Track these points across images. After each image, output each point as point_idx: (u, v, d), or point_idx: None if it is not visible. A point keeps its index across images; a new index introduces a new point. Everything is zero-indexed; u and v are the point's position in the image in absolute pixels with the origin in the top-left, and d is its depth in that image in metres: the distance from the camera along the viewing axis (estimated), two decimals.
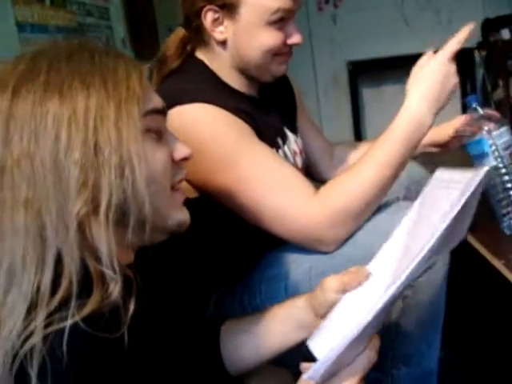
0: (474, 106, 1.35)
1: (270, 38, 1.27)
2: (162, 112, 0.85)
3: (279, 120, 1.43)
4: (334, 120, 5.63)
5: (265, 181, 1.18)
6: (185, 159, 0.87)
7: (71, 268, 0.72)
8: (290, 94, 1.58)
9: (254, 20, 1.25)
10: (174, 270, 1.06)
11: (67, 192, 0.73)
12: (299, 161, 1.44)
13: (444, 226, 0.74)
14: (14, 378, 0.67)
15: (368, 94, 5.63)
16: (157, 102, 0.84)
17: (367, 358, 0.81)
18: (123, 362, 0.71)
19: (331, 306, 0.91)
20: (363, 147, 1.67)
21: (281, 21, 1.26)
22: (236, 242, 1.30)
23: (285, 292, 1.24)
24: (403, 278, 0.75)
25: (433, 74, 1.24)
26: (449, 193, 0.79)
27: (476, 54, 5.14)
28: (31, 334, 0.67)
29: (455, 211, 0.74)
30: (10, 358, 0.67)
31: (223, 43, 1.30)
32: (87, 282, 0.72)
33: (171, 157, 0.85)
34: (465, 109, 1.42)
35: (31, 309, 0.70)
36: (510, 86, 4.37)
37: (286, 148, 1.39)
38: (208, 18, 1.26)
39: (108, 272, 0.73)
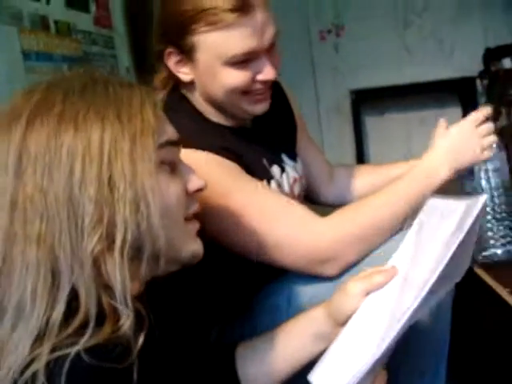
0: None
1: (231, 79, 1.22)
2: (176, 143, 0.84)
3: (276, 147, 1.41)
4: (336, 148, 5.63)
5: (262, 212, 1.17)
6: (199, 190, 0.87)
7: (86, 303, 0.71)
8: (289, 117, 1.55)
9: (212, 63, 1.21)
10: (175, 304, 1.05)
11: (82, 228, 0.72)
12: (297, 188, 1.42)
13: (446, 260, 0.73)
14: None
15: (371, 122, 5.64)
16: (171, 133, 0.84)
17: None
18: None
19: (354, 311, 0.89)
20: (362, 170, 1.67)
21: (246, 60, 1.21)
22: (235, 275, 1.29)
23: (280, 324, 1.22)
24: (405, 317, 0.75)
25: (459, 132, 1.24)
26: (447, 224, 0.78)
27: (478, 82, 5.17)
28: (33, 361, 0.66)
29: (455, 245, 0.73)
30: None
31: (191, 83, 1.28)
32: (99, 315, 0.72)
33: (185, 189, 0.84)
34: None
35: (36, 341, 0.69)
36: (511, 115, 4.37)
37: (283, 176, 1.37)
38: (171, 60, 1.26)
39: (121, 307, 0.72)
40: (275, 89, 1.42)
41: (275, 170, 1.35)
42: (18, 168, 0.73)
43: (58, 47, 2.65)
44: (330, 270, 1.17)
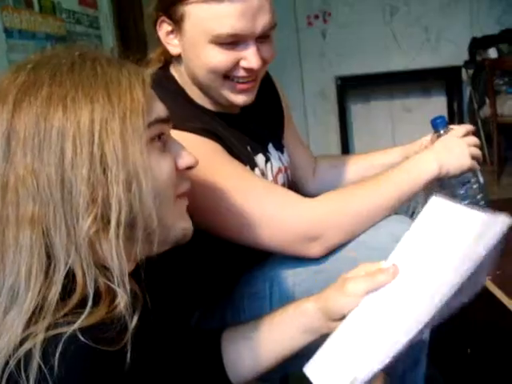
0: (443, 131, 1.32)
1: (213, 58, 1.16)
2: (166, 120, 0.83)
3: (263, 137, 1.39)
4: (321, 135, 5.64)
5: (246, 192, 1.16)
6: (190, 168, 0.86)
7: (82, 283, 0.71)
8: (277, 109, 1.53)
9: (198, 37, 1.16)
10: (158, 286, 1.04)
11: (76, 209, 0.71)
12: (281, 178, 1.40)
13: (466, 275, 0.71)
14: None
15: (356, 109, 5.65)
16: (160, 110, 0.82)
17: None
18: (122, 376, 0.70)
19: (352, 310, 0.88)
20: (346, 161, 1.66)
21: (232, 43, 1.15)
22: (217, 259, 1.27)
23: (269, 309, 1.21)
24: (412, 333, 0.73)
25: (446, 141, 1.27)
26: (464, 235, 0.76)
27: (463, 72, 5.19)
28: (26, 340, 0.66)
29: (478, 259, 0.71)
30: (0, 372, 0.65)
31: (179, 57, 1.24)
32: (94, 295, 0.71)
33: (175, 166, 0.83)
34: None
35: (31, 321, 0.68)
36: (496, 104, 4.39)
37: (267, 166, 1.35)
38: (162, 29, 1.21)
39: (117, 288, 0.72)
40: (266, 81, 1.41)
41: (259, 158, 1.33)
42: (6, 151, 0.72)
43: (41, 25, 2.61)
44: (313, 249, 1.16)
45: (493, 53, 4.97)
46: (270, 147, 1.40)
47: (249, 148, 1.30)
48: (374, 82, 5.40)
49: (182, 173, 0.85)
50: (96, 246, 0.73)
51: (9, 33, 2.34)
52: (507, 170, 4.70)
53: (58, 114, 0.72)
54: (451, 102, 5.38)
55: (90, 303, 0.70)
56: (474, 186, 1.26)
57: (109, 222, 0.72)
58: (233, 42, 1.13)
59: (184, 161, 0.85)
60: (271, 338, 0.99)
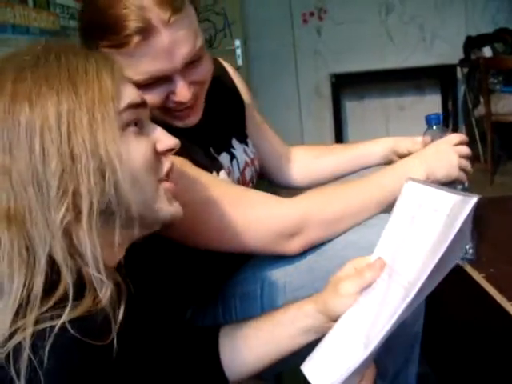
0: (435, 127, 1.32)
1: None
2: (141, 105, 0.83)
3: (225, 132, 1.35)
4: (315, 132, 5.65)
5: (220, 200, 1.14)
6: (170, 150, 0.85)
7: (65, 274, 0.71)
8: (235, 98, 1.48)
9: None
10: (150, 283, 1.03)
11: (49, 202, 0.71)
12: (248, 173, 1.38)
13: (435, 261, 0.71)
14: None
15: (350, 106, 5.66)
16: (133, 95, 0.81)
17: None
18: (111, 370, 0.70)
19: (348, 309, 0.88)
20: (325, 150, 1.65)
21: (154, 83, 1.10)
22: (208, 258, 1.26)
23: (261, 308, 1.21)
24: (395, 317, 0.74)
25: (438, 147, 1.25)
26: (436, 219, 0.76)
27: (458, 70, 5.20)
28: (15, 333, 0.66)
29: (445, 246, 0.71)
30: None
31: None
32: (80, 287, 0.71)
33: (154, 149, 0.82)
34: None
35: (18, 315, 0.68)
36: (490, 103, 4.40)
37: (233, 163, 1.33)
38: None
39: (96, 276, 0.72)
40: (221, 72, 1.39)
41: (224, 157, 1.31)
42: None
43: (35, 20, 2.59)
44: (293, 246, 1.15)
45: (487, 51, 4.98)
46: (234, 142, 1.37)
47: (211, 150, 1.27)
48: (369, 79, 5.40)
49: (161, 156, 0.84)
50: (73, 236, 0.73)
51: (2, 27, 2.32)
52: (501, 169, 4.72)
53: (24, 110, 0.72)
54: (445, 101, 5.39)
55: (71, 294, 0.69)
56: (459, 187, 1.26)
57: (80, 211, 0.73)
58: (155, 81, 1.09)
59: (163, 143, 0.84)
60: (270, 337, 0.99)
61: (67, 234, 0.73)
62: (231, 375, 1.01)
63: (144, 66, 1.06)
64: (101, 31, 1.06)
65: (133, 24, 1.02)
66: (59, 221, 0.71)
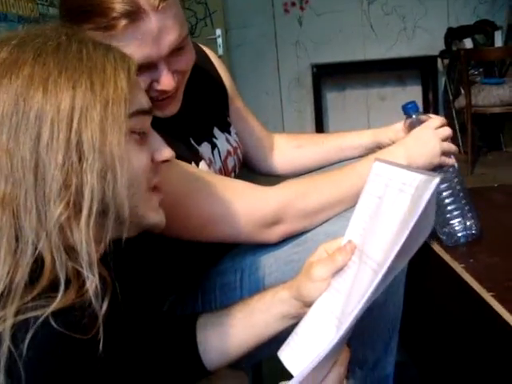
0: (414, 116, 1.32)
1: None
2: (148, 112, 0.82)
3: (206, 121, 1.34)
4: (296, 122, 5.65)
5: (200, 190, 1.13)
6: (165, 161, 0.85)
7: (51, 267, 0.70)
8: (218, 87, 1.46)
9: None
10: (129, 273, 1.03)
11: (48, 194, 0.70)
12: (230, 162, 1.37)
13: (401, 241, 0.71)
14: None
15: (331, 97, 5.66)
16: (143, 101, 0.81)
17: (338, 373, 0.79)
18: (93, 362, 0.69)
19: (321, 293, 0.88)
20: (307, 138, 1.65)
21: (140, 69, 1.00)
22: (187, 248, 1.26)
23: (240, 300, 1.21)
24: (366, 297, 0.74)
25: (419, 134, 1.26)
26: (402, 199, 0.77)
27: (439, 62, 5.22)
28: None
29: (411, 226, 0.71)
30: None
31: None
32: (65, 280, 0.70)
33: (151, 158, 0.82)
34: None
35: None
36: (471, 95, 4.42)
37: (214, 153, 1.32)
38: None
39: (86, 273, 0.71)
40: (202, 59, 1.38)
41: (205, 147, 1.29)
42: None
43: (13, 7, 2.56)
44: (273, 234, 1.15)
45: (468, 43, 5.00)
46: (216, 131, 1.36)
47: (191, 140, 1.26)
48: (350, 70, 5.41)
49: (157, 165, 0.84)
50: (66, 232, 0.72)
51: None
52: (480, 160, 4.75)
53: (37, 96, 0.70)
54: (426, 92, 5.41)
55: (62, 287, 0.69)
56: (451, 170, 1.27)
57: (80, 210, 0.71)
58: (140, 68, 1.08)
59: (162, 154, 0.84)
60: (247, 324, 0.99)
61: (61, 229, 0.71)
62: (209, 364, 1.00)
63: (129, 52, 1.02)
64: (86, 13, 1.03)
65: (121, 6, 1.00)
66: (56, 216, 0.70)
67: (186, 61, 1.16)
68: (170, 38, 1.07)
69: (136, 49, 1.04)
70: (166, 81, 1.10)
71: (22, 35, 0.76)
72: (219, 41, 4.72)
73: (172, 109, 1.19)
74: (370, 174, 0.87)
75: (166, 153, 0.85)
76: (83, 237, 0.71)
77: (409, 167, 0.81)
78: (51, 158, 0.70)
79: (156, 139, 0.85)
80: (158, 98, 1.14)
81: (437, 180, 0.72)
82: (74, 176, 0.70)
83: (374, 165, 0.87)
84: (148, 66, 1.08)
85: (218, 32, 4.74)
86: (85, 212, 0.71)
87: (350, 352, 0.83)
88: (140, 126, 0.80)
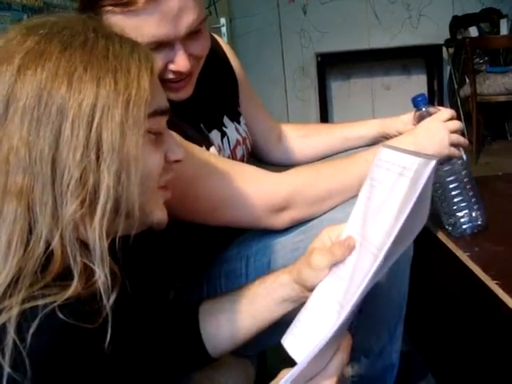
0: (424, 109, 1.32)
1: None
2: (165, 112, 0.82)
3: (216, 110, 1.36)
4: (301, 112, 5.64)
5: (211, 173, 1.14)
6: (177, 161, 0.85)
7: (60, 260, 0.70)
8: (229, 76, 1.48)
9: None
10: (135, 261, 1.03)
11: (64, 190, 0.70)
12: (239, 151, 1.37)
13: (399, 224, 0.72)
14: None
15: (336, 86, 5.65)
16: (162, 101, 0.81)
17: (341, 359, 0.79)
18: (98, 351, 0.69)
19: (320, 281, 0.89)
20: (314, 128, 1.65)
21: (157, 48, 1.08)
22: (193, 235, 1.26)
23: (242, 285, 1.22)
24: (364, 283, 0.74)
25: (428, 125, 1.26)
26: (400, 183, 0.77)
27: (444, 50, 5.19)
28: (0, 313, 0.65)
29: (408, 209, 0.71)
30: None
31: None
32: (70, 272, 0.70)
33: (164, 158, 0.82)
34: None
35: (6, 294, 0.67)
36: (476, 83, 4.41)
37: (224, 141, 1.33)
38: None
39: (98, 269, 0.71)
40: (214, 48, 1.37)
41: (214, 134, 1.30)
42: (3, 116, 0.70)
43: None
44: (281, 220, 1.15)
45: (473, 31, 4.97)
46: (226, 120, 1.36)
47: (202, 126, 1.27)
48: (355, 59, 5.39)
49: (169, 165, 0.85)
50: (80, 229, 0.72)
51: None
52: (485, 149, 4.74)
53: (61, 90, 0.70)
54: (431, 81, 5.39)
55: (75, 282, 0.69)
56: (459, 162, 1.27)
57: (95, 207, 0.72)
58: (156, 47, 1.07)
59: (175, 155, 0.84)
60: (249, 309, 1.00)
61: (75, 225, 0.72)
62: (213, 350, 1.01)
63: (149, 29, 1.04)
64: None
65: None
66: (71, 213, 0.70)
67: (202, 46, 1.16)
68: (189, 18, 1.07)
69: (155, 26, 1.04)
70: (182, 61, 1.10)
71: (50, 25, 0.76)
72: (223, 30, 4.69)
73: (185, 93, 1.19)
74: (374, 160, 0.87)
75: (180, 153, 0.85)
76: (97, 234, 0.72)
77: (412, 151, 0.81)
78: (70, 154, 0.70)
79: (170, 139, 0.85)
80: (172, 80, 1.14)
81: (433, 162, 0.72)
82: (90, 174, 0.71)
83: (379, 150, 0.87)
84: (164, 46, 1.08)
85: (223, 21, 4.71)
86: (99, 210, 0.71)
87: (351, 339, 0.83)
88: (157, 127, 0.80)
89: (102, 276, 0.71)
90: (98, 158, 0.71)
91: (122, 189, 0.73)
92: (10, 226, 0.70)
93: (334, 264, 0.87)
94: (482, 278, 1.14)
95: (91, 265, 0.71)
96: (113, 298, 0.72)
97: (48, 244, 0.70)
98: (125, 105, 0.72)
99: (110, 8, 1.04)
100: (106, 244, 0.72)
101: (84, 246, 0.73)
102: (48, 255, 0.70)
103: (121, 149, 0.72)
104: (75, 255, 0.71)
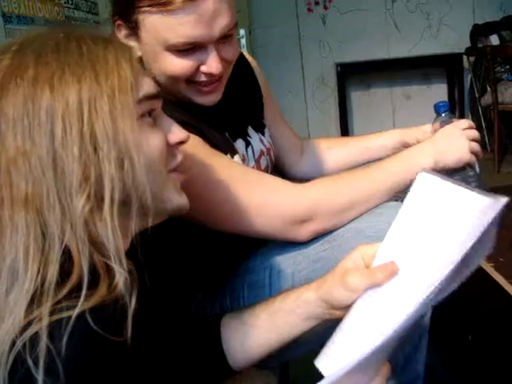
0: (444, 115, 1.31)
1: (172, 66, 1.12)
2: (156, 96, 0.83)
3: (242, 120, 1.36)
4: (321, 122, 5.64)
5: (233, 181, 1.14)
6: (181, 143, 0.85)
7: (80, 262, 0.71)
8: (254, 88, 1.49)
9: (154, 45, 1.11)
10: (157, 272, 1.04)
11: (69, 188, 0.71)
12: (264, 162, 1.38)
13: (457, 261, 0.70)
14: (8, 375, 0.65)
15: (356, 95, 5.64)
16: (150, 86, 0.82)
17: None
18: (125, 358, 0.70)
19: (353, 302, 0.86)
20: (334, 143, 1.65)
21: (191, 49, 1.10)
22: (216, 245, 1.27)
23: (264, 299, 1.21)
24: (409, 311, 0.72)
25: (447, 132, 1.26)
26: (462, 219, 0.74)
27: (464, 59, 5.17)
28: (31, 323, 0.66)
29: (469, 245, 0.69)
30: (6, 355, 0.65)
31: (141, 59, 1.18)
32: (93, 275, 0.71)
33: (166, 141, 0.82)
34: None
35: (33, 303, 0.68)
36: (497, 92, 4.37)
37: (248, 150, 1.33)
38: (121, 33, 1.17)
39: (115, 266, 0.72)
40: (240, 60, 1.38)
41: (239, 144, 1.30)
42: None
43: (39, 11, 2.59)
44: (303, 232, 1.15)
45: (494, 40, 4.95)
46: (250, 130, 1.37)
47: (227, 134, 1.27)
48: (375, 68, 5.38)
49: (173, 148, 0.85)
50: (90, 225, 0.73)
51: (7, 18, 2.32)
52: (507, 158, 4.70)
53: (45, 95, 0.71)
54: (452, 90, 5.36)
55: (85, 282, 0.70)
56: (470, 173, 1.25)
57: (102, 200, 0.73)
58: (190, 48, 1.09)
59: (175, 136, 0.85)
60: (270, 325, 0.99)
61: (85, 222, 0.73)
62: (234, 363, 1.01)
63: (184, 29, 1.06)
64: None
65: None
66: (80, 208, 0.71)
67: (233, 50, 1.18)
68: (223, 21, 1.09)
69: (190, 27, 1.06)
70: (214, 63, 1.12)
71: (21, 41, 0.78)
72: (243, 41, 4.71)
73: (214, 97, 1.20)
74: (415, 185, 0.84)
75: (180, 134, 0.86)
76: (108, 227, 0.73)
77: (461, 183, 0.78)
78: (68, 152, 0.71)
79: (168, 122, 0.86)
80: (202, 83, 1.15)
81: (503, 201, 0.70)
82: (92, 167, 0.72)
83: (419, 175, 0.84)
84: (198, 48, 1.10)
85: (242, 32, 4.73)
86: (107, 201, 0.72)
87: (390, 369, 0.82)
88: (150, 108, 0.81)
89: (121, 274, 0.72)
90: (95, 149, 0.72)
91: (128, 177, 0.74)
92: (24, 234, 0.71)
93: (370, 287, 0.85)
94: (507, 289, 1.13)
95: (109, 263, 0.72)
96: (133, 300, 0.72)
97: (63, 246, 0.71)
98: (110, 94, 0.74)
99: (147, 8, 1.06)
100: (120, 240, 0.73)
101: (101, 245, 0.73)
102: (68, 260, 0.71)
103: (116, 136, 0.73)
104: (91, 254, 0.72)
